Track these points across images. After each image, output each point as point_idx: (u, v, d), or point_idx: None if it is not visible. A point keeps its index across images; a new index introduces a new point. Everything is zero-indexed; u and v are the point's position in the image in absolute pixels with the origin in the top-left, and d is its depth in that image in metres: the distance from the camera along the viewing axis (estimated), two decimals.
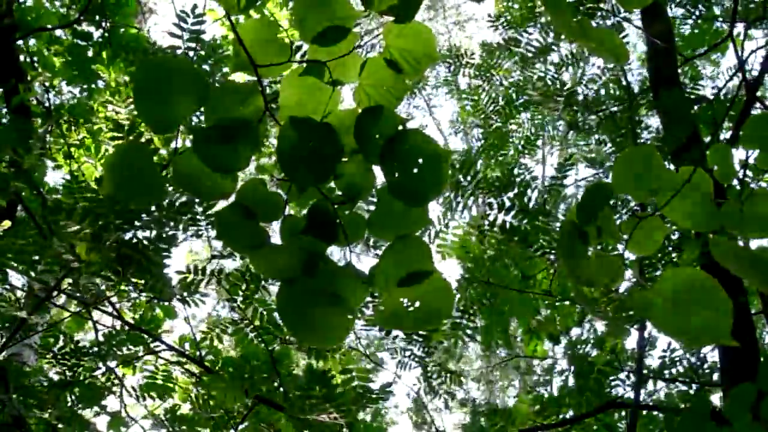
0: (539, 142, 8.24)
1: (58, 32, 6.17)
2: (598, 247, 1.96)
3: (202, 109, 1.84)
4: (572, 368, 5.59)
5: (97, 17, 5.96)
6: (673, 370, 5.52)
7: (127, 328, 5.23)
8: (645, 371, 5.41)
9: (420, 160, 1.76)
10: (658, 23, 5.76)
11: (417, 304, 1.86)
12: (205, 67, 5.51)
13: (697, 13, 6.72)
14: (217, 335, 5.75)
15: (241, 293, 5.29)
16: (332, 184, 1.89)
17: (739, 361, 4.55)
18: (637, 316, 4.71)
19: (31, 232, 4.43)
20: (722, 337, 1.81)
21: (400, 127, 1.85)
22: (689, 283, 1.82)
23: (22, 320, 4.51)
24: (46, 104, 6.18)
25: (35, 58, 6.22)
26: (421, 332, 5.59)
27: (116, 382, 5.26)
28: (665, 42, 5.63)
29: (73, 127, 5.87)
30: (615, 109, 6.08)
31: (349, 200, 1.84)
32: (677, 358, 5.47)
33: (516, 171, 5.73)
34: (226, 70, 5.70)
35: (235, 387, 4.72)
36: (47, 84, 6.21)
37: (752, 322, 4.93)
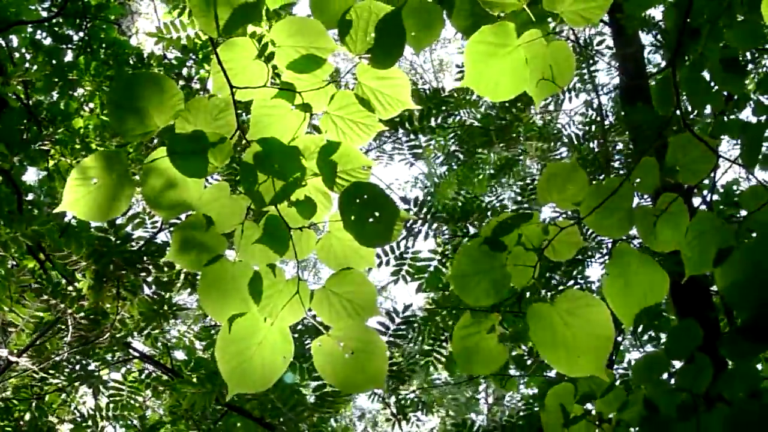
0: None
1: (39, 35, 6.02)
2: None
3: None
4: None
5: (77, 20, 5.80)
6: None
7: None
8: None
9: (377, 213, 1.84)
10: (630, 48, 5.88)
11: (351, 353, 1.87)
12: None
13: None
14: (190, 341, 5.74)
15: None
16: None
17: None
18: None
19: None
20: (596, 368, 1.83)
21: (364, 166, 1.92)
22: (581, 307, 1.83)
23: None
24: (25, 101, 6.09)
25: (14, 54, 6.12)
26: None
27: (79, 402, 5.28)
28: (636, 65, 5.73)
29: (51, 126, 5.79)
30: (583, 134, 6.12)
31: (303, 218, 1.91)
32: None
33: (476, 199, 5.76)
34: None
35: (205, 392, 4.72)
36: (25, 80, 6.11)
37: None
